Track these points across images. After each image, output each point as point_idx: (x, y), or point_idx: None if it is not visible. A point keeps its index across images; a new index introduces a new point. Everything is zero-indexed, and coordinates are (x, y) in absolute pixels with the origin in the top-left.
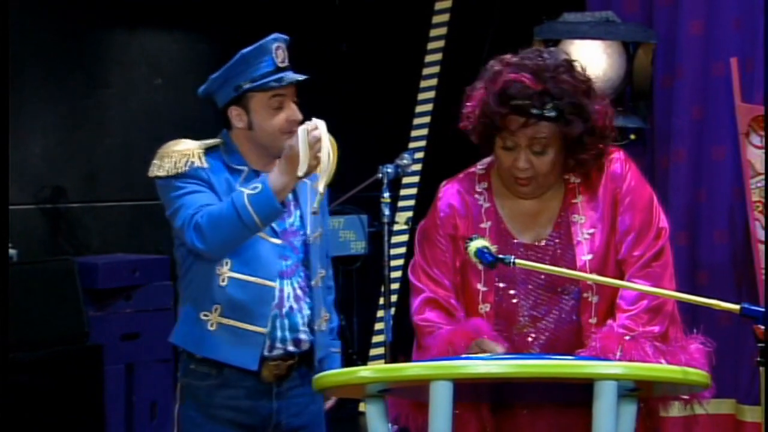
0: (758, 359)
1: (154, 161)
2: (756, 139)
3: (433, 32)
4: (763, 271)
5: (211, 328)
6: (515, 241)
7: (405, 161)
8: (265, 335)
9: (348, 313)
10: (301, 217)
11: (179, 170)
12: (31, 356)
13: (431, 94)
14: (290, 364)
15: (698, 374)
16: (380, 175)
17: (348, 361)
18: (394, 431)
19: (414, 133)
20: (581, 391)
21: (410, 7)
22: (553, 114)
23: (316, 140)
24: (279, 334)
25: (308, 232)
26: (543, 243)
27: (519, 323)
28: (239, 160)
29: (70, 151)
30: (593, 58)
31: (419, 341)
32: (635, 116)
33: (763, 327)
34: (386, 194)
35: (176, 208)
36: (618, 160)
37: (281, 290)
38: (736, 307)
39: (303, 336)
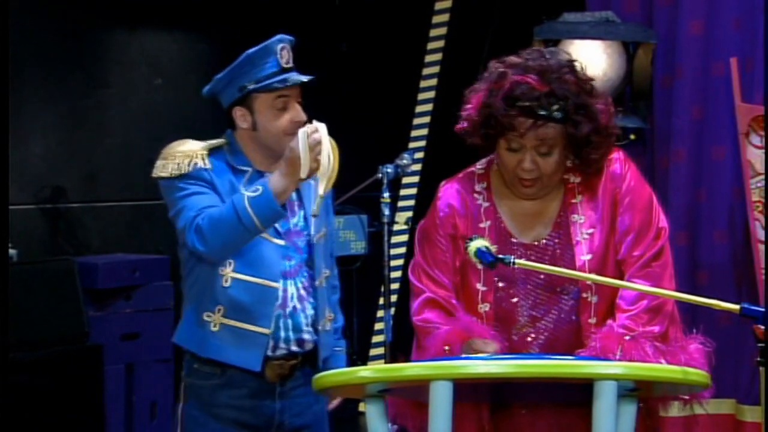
0: (758, 359)
1: (158, 162)
2: (756, 139)
3: (433, 32)
4: (763, 271)
5: (214, 329)
6: (514, 240)
7: (405, 161)
8: (268, 336)
9: (348, 313)
10: (305, 218)
11: (182, 171)
12: (31, 356)
13: (431, 94)
14: (293, 363)
15: (698, 374)
16: (380, 175)
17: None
18: (394, 431)
19: (414, 133)
20: (581, 391)
21: (410, 7)
22: (559, 115)
23: (317, 143)
24: (282, 334)
25: (312, 232)
26: (542, 243)
27: (518, 323)
28: (243, 160)
29: (70, 151)
30: (593, 58)
31: (419, 342)
32: (635, 116)
33: (763, 327)
34: (386, 194)
35: (178, 210)
36: (617, 160)
37: (285, 290)
38: (736, 307)
39: (306, 336)
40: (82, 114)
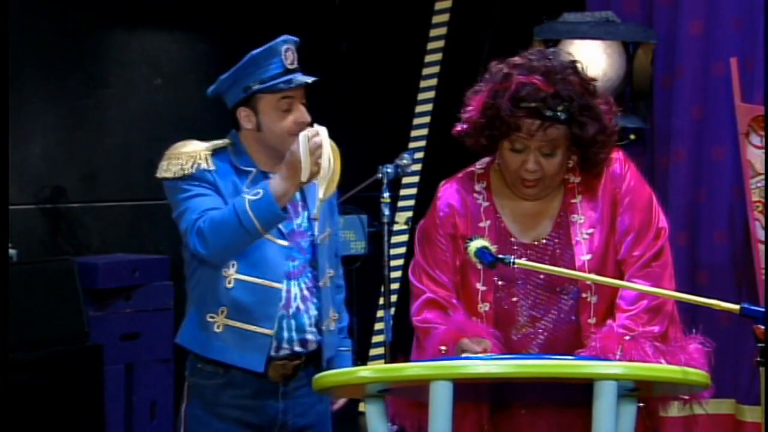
0: (758, 359)
1: (162, 162)
2: (756, 139)
3: (433, 32)
4: (763, 271)
5: (218, 330)
6: (514, 240)
7: (405, 161)
8: (271, 337)
9: (348, 312)
10: (309, 219)
11: (185, 172)
12: (31, 356)
13: (431, 94)
14: (297, 364)
15: (698, 374)
16: (380, 175)
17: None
18: (394, 431)
19: (414, 133)
20: (581, 391)
21: (410, 7)
22: (565, 116)
23: (317, 146)
24: (285, 334)
25: (315, 233)
26: (542, 243)
27: (518, 323)
28: (247, 161)
29: (70, 151)
30: (593, 58)
31: (418, 342)
32: (635, 116)
33: (763, 327)
34: (386, 194)
35: (181, 212)
36: (617, 160)
37: (288, 291)
38: (736, 307)
39: (310, 336)
40: (82, 114)
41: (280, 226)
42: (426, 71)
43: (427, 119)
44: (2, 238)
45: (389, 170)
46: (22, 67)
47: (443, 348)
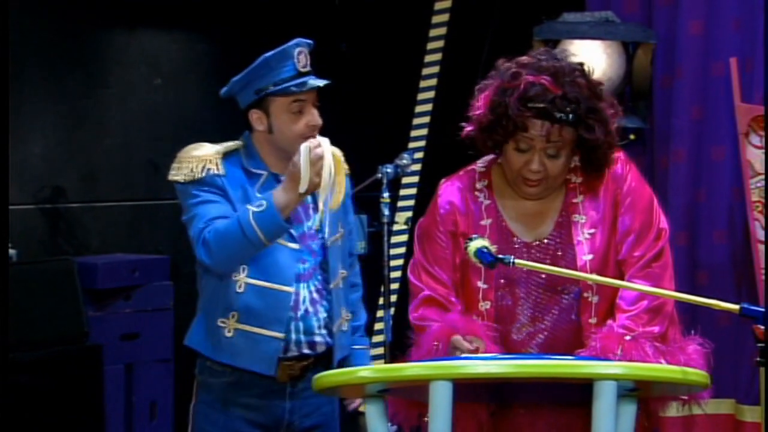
0: (758, 359)
1: (173, 165)
2: (755, 139)
3: (433, 32)
4: (763, 271)
5: (229, 335)
6: (516, 239)
7: (404, 161)
8: (281, 340)
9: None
10: (320, 221)
11: (195, 177)
12: (30, 356)
13: (431, 94)
14: (305, 365)
15: (698, 374)
16: (380, 175)
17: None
18: (394, 431)
19: (413, 133)
20: (580, 391)
21: (410, 7)
22: (573, 118)
23: (319, 158)
24: (293, 336)
25: (326, 235)
26: (544, 242)
27: (519, 322)
28: (259, 163)
29: (70, 151)
30: (593, 58)
31: (415, 338)
32: (635, 116)
33: (762, 327)
34: (386, 194)
35: (190, 217)
36: (619, 161)
37: (297, 294)
38: (736, 307)
39: (318, 339)
40: (82, 114)
41: (291, 229)
42: (426, 71)
43: (426, 119)
44: (2, 238)
45: (389, 170)
46: (22, 67)
47: (436, 343)
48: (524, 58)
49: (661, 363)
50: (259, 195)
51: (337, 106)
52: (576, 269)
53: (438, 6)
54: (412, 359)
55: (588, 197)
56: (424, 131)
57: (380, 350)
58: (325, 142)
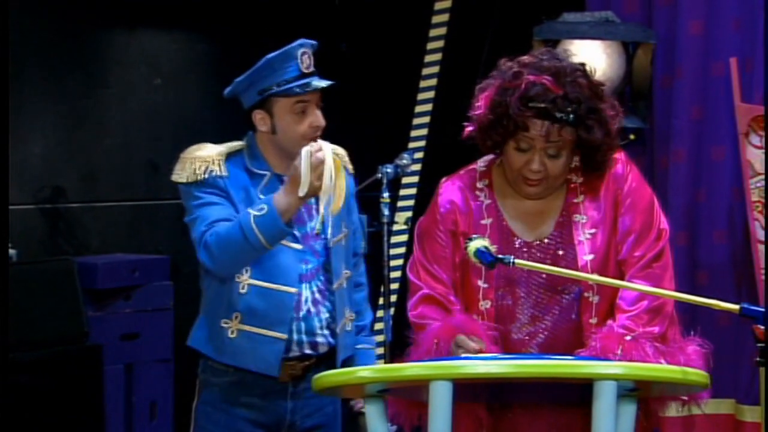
0: (758, 359)
1: (176, 165)
2: (755, 139)
3: (433, 32)
4: (763, 271)
5: (232, 336)
6: (516, 238)
7: (404, 161)
8: (284, 341)
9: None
10: (323, 220)
11: (198, 178)
12: (30, 356)
13: (431, 94)
14: (306, 365)
15: (698, 374)
16: (380, 175)
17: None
18: (393, 431)
19: (413, 133)
20: (580, 391)
21: (410, 7)
22: (573, 118)
23: (319, 162)
24: (295, 337)
25: (329, 236)
26: (545, 242)
27: (519, 321)
28: (262, 164)
29: (70, 151)
30: (593, 58)
31: (414, 337)
32: (635, 116)
33: (762, 327)
34: (386, 194)
35: (193, 219)
36: (619, 161)
37: (299, 294)
38: (736, 307)
39: (320, 339)
40: (82, 114)
41: (294, 230)
42: (426, 71)
43: (426, 119)
44: (2, 238)
45: (389, 170)
46: (22, 67)
47: (436, 341)
48: (526, 58)
49: (661, 363)
50: (261, 196)
51: (337, 106)
52: (577, 269)
53: (438, 6)
54: (412, 358)
55: (589, 197)
56: (424, 131)
57: (380, 350)
58: (326, 146)
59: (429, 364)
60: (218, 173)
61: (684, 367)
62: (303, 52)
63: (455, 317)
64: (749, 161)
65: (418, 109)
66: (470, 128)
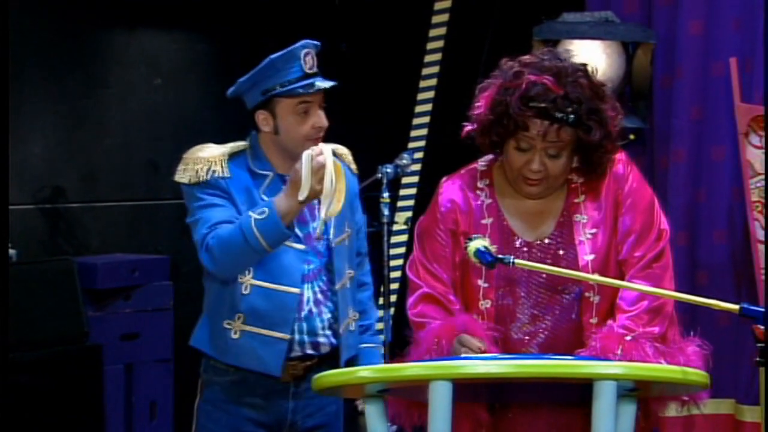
0: (757, 359)
1: (179, 166)
2: (755, 139)
3: (433, 32)
4: (763, 271)
5: (235, 337)
6: (517, 238)
7: (404, 161)
8: (287, 341)
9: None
10: (325, 222)
11: (200, 179)
12: (30, 356)
13: (431, 94)
14: (308, 365)
15: (698, 374)
16: (379, 175)
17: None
18: (393, 431)
19: (413, 133)
20: (580, 391)
21: (410, 7)
22: (573, 119)
23: (320, 166)
24: (297, 337)
25: (331, 236)
26: (545, 242)
27: (519, 321)
28: (265, 164)
29: (70, 151)
30: (592, 58)
31: (414, 335)
32: (635, 116)
33: (762, 327)
34: (385, 194)
35: (195, 221)
36: (620, 161)
37: (301, 294)
38: (736, 307)
39: (322, 339)
40: (82, 114)
41: (297, 230)
42: (426, 71)
43: (426, 119)
44: (2, 238)
45: (389, 170)
46: (22, 67)
47: (437, 340)
48: (527, 58)
49: (661, 363)
50: (264, 196)
51: (337, 106)
52: (577, 269)
53: (438, 6)
54: (411, 357)
55: (589, 197)
56: (424, 131)
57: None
58: (326, 150)
59: (429, 364)
60: (220, 174)
61: (684, 367)
62: (306, 53)
63: (456, 317)
64: (749, 161)
65: (418, 109)
66: (470, 127)
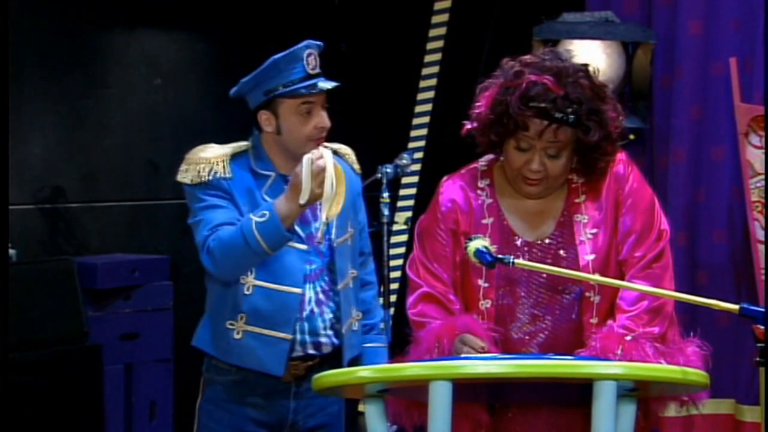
0: (757, 359)
1: (181, 166)
2: (755, 139)
3: (433, 32)
4: (763, 271)
5: (238, 337)
6: (517, 238)
7: (404, 161)
8: (290, 341)
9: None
10: (326, 225)
11: (202, 179)
12: (30, 356)
13: (431, 94)
14: (310, 365)
15: (698, 374)
16: (379, 175)
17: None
18: (393, 431)
19: (413, 133)
20: (580, 391)
21: (410, 7)
22: (573, 119)
23: (321, 169)
24: (299, 337)
25: (333, 236)
26: (546, 241)
27: (519, 321)
28: (267, 165)
29: (70, 151)
30: (592, 58)
31: (414, 335)
32: (634, 116)
33: (762, 327)
34: (385, 194)
35: (196, 222)
36: (621, 161)
37: (303, 294)
38: (736, 307)
39: (324, 339)
40: (82, 114)
41: (299, 229)
42: (425, 71)
43: (426, 119)
44: (2, 238)
45: (389, 170)
46: (22, 67)
47: (437, 340)
48: (528, 58)
49: (660, 363)
50: (266, 196)
51: (337, 106)
52: (578, 269)
53: (438, 6)
54: (411, 356)
55: (590, 197)
56: (423, 131)
57: None
58: (327, 153)
59: (429, 364)
60: (222, 175)
61: (684, 368)
62: (309, 53)
63: (457, 317)
64: (749, 161)
65: (418, 109)
66: (470, 126)
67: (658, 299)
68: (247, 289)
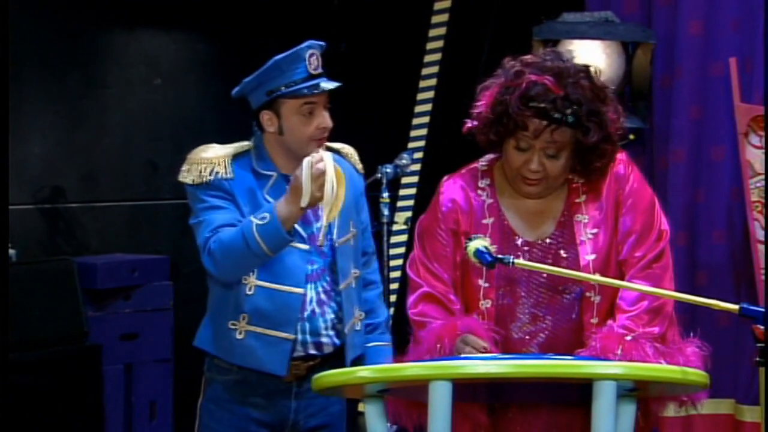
0: (757, 359)
1: (183, 166)
2: (755, 139)
3: (433, 32)
4: (763, 271)
5: (240, 337)
6: (517, 238)
7: (404, 161)
8: (292, 341)
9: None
10: (327, 227)
11: (203, 180)
12: (30, 356)
13: (430, 94)
14: (311, 365)
15: (697, 374)
16: (379, 175)
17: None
18: (393, 431)
19: (413, 133)
20: (580, 391)
21: (410, 7)
22: (572, 120)
23: (321, 172)
24: (300, 337)
25: (335, 236)
26: (546, 241)
27: (519, 321)
28: (269, 165)
29: (70, 151)
30: (592, 58)
31: (414, 334)
32: (634, 116)
33: (762, 327)
34: (385, 194)
35: (197, 222)
36: (621, 162)
37: (304, 294)
38: (735, 307)
39: (325, 339)
40: (82, 114)
41: (301, 230)
42: (425, 71)
43: (426, 119)
44: (2, 238)
45: (388, 170)
46: (22, 67)
47: (439, 340)
48: (529, 58)
49: (660, 363)
50: (268, 197)
51: (337, 106)
52: (578, 269)
53: (438, 6)
54: (411, 356)
55: (591, 197)
56: (423, 131)
57: None
58: (327, 156)
59: (429, 364)
60: (223, 175)
61: (683, 368)
62: (311, 54)
63: (458, 317)
64: (749, 161)
65: (418, 109)
66: (471, 124)
67: (658, 299)
68: (249, 290)
